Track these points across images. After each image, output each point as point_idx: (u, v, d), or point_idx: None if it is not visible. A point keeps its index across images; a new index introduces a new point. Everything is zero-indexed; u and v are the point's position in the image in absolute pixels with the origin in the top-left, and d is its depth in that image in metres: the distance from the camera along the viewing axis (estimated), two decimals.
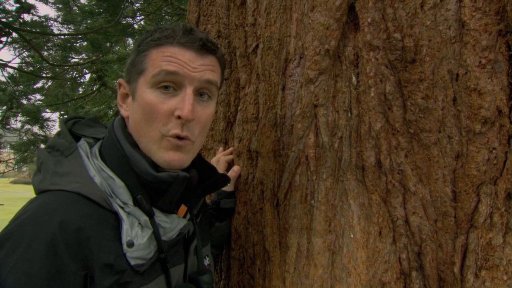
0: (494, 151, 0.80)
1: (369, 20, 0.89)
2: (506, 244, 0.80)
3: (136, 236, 0.71)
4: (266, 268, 1.05)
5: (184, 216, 0.87)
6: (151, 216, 0.76)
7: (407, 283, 0.88)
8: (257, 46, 1.16)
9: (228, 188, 1.17)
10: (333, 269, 0.94)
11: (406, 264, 0.88)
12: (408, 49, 0.86)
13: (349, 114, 0.95)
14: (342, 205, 0.95)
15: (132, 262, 0.70)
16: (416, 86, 0.86)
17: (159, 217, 0.78)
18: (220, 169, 1.20)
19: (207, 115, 0.82)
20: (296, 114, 1.00)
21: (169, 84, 0.77)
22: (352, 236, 0.92)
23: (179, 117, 0.76)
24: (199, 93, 0.81)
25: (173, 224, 0.80)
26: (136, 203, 0.75)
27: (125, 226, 0.71)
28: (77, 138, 0.83)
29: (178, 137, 0.77)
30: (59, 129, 0.84)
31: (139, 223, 0.74)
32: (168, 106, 0.76)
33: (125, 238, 0.70)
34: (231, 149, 1.24)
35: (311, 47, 0.97)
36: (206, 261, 0.94)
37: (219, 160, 1.23)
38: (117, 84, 0.86)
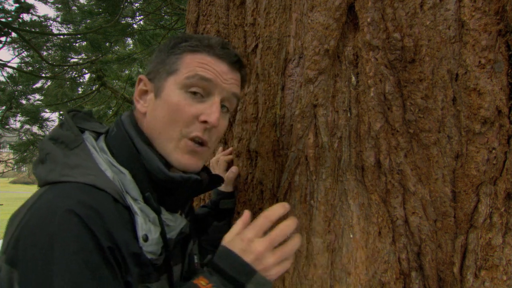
0: (493, 151, 0.80)
1: (368, 20, 0.89)
2: (505, 244, 0.80)
3: (150, 231, 0.72)
4: None
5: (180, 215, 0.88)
6: (159, 214, 0.77)
7: (406, 283, 0.88)
8: (256, 46, 1.16)
9: (227, 188, 1.16)
10: (332, 269, 0.93)
11: (406, 264, 0.88)
12: (408, 49, 0.86)
13: (349, 114, 0.95)
14: (342, 205, 0.94)
15: (148, 257, 0.70)
16: (416, 86, 0.86)
17: (165, 215, 0.79)
18: (220, 169, 1.20)
19: (224, 125, 0.86)
20: (296, 114, 1.00)
21: (199, 90, 0.79)
22: (351, 236, 0.92)
23: (204, 122, 0.78)
24: (221, 105, 0.83)
25: (176, 223, 0.82)
26: (145, 200, 0.76)
27: (140, 220, 0.71)
28: (80, 130, 0.81)
29: (198, 141, 0.79)
30: (61, 121, 0.83)
31: (149, 220, 0.75)
32: (195, 110, 0.78)
33: (140, 232, 0.70)
34: (230, 149, 1.24)
35: (310, 47, 0.97)
36: (195, 259, 0.95)
37: (218, 160, 1.22)
38: (137, 79, 0.86)
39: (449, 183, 0.84)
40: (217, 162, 1.22)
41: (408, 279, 0.88)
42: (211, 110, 0.79)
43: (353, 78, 0.95)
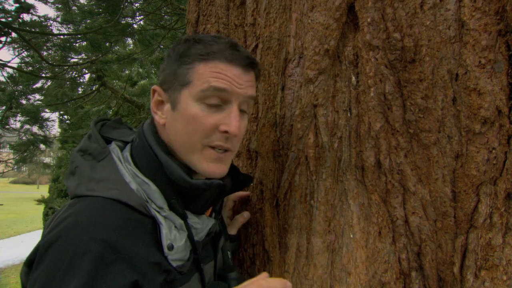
0: (493, 151, 0.80)
1: (368, 20, 0.89)
2: (505, 244, 0.80)
3: (175, 239, 0.76)
4: (265, 268, 1.05)
5: (210, 215, 0.91)
6: (185, 219, 0.79)
7: (406, 283, 0.88)
8: (256, 46, 1.16)
9: (231, 230, 1.10)
10: (332, 269, 0.94)
11: (406, 264, 0.88)
12: (408, 49, 0.86)
13: (349, 114, 0.95)
14: (342, 205, 0.94)
15: (174, 264, 0.74)
16: (416, 86, 0.86)
17: (192, 219, 0.82)
18: (227, 207, 1.14)
19: (244, 127, 0.86)
20: (296, 114, 1.00)
21: (216, 100, 0.79)
22: (351, 236, 0.92)
23: (225, 132, 0.79)
24: (240, 109, 0.83)
25: (203, 225, 0.85)
26: (171, 207, 0.78)
27: (164, 230, 0.74)
28: (107, 141, 0.85)
29: (220, 149, 0.81)
30: (89, 132, 0.86)
31: (175, 226, 0.78)
32: (214, 120, 0.79)
33: (165, 242, 0.74)
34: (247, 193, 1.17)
35: (310, 47, 0.97)
36: (229, 255, 0.98)
37: (227, 198, 1.16)
38: (151, 90, 0.86)
39: (449, 183, 0.84)
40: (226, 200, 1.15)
41: (408, 279, 0.88)
42: (229, 120, 0.79)
43: (353, 78, 0.95)
